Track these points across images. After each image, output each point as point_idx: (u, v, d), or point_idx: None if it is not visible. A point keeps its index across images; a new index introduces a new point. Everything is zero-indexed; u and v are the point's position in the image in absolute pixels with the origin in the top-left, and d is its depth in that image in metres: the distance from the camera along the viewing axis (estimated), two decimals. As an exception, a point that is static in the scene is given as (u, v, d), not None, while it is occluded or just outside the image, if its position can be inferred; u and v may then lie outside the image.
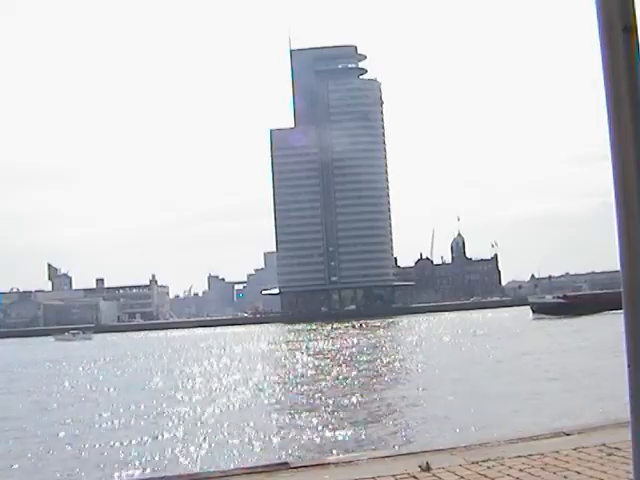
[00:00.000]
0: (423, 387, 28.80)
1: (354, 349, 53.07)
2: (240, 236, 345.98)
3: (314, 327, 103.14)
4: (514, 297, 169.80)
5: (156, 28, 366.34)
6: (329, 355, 48.98)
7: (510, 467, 6.16)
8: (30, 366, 55.01)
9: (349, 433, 19.00)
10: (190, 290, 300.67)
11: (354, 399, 25.52)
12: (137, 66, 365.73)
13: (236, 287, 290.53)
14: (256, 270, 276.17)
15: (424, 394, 26.55)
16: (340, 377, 33.61)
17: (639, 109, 1.93)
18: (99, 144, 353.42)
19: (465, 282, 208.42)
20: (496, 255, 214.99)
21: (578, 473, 5.91)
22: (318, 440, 18.25)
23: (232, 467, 11.33)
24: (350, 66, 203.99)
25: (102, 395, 31.93)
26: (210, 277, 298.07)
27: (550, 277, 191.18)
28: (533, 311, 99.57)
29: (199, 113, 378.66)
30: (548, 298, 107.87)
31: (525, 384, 26.96)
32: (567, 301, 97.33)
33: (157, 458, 17.09)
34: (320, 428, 20.01)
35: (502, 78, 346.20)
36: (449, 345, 54.02)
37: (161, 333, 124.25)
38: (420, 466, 6.16)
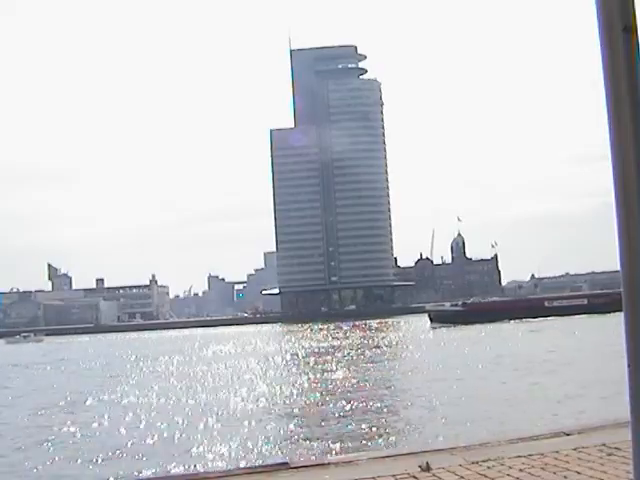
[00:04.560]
0: (423, 387, 28.81)
1: (354, 349, 53.09)
2: (240, 236, 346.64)
3: (314, 327, 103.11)
4: (514, 297, 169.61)
5: (156, 28, 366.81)
6: (328, 355, 48.99)
7: (510, 467, 6.16)
8: None
9: (349, 433, 19.00)
10: (190, 290, 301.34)
11: (354, 399, 25.51)
12: (137, 66, 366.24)
13: (236, 287, 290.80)
14: (256, 270, 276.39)
15: (424, 394, 26.54)
16: (339, 377, 33.62)
17: (639, 109, 1.93)
18: (99, 144, 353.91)
19: (465, 282, 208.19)
20: (496, 255, 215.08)
21: (578, 473, 5.91)
22: (318, 440, 18.24)
23: (232, 467, 11.32)
24: (350, 66, 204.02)
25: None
26: (210, 277, 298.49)
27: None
28: (431, 319, 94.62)
29: (199, 113, 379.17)
30: (447, 306, 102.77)
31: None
32: (465, 309, 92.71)
33: (157, 458, 17.08)
34: (320, 428, 20.01)
35: (502, 78, 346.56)
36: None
37: (162, 333, 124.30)
38: (420, 466, 6.16)
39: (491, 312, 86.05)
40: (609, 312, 76.91)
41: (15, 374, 49.04)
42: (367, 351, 50.59)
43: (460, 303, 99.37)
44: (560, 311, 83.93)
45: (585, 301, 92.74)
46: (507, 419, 19.52)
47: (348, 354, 48.34)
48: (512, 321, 77.45)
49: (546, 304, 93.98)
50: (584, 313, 78.71)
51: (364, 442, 17.61)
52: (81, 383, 38.48)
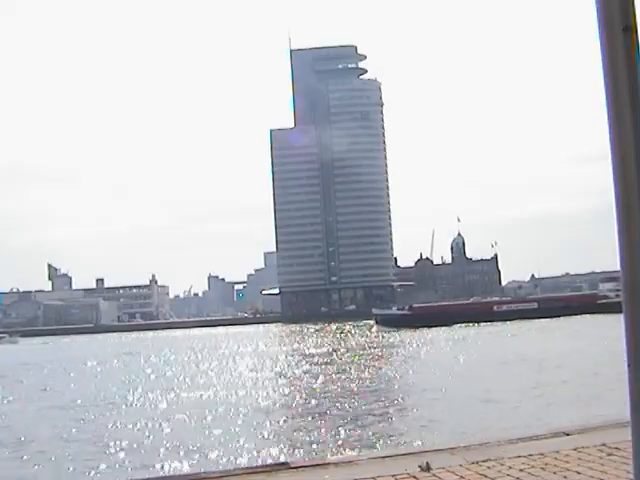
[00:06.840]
0: (423, 387, 28.82)
1: (353, 349, 53.09)
2: (240, 236, 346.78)
3: (314, 327, 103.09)
4: (514, 297, 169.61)
5: (156, 28, 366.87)
6: (328, 355, 48.99)
7: (510, 467, 6.16)
8: None
9: (349, 433, 18.99)
10: (190, 290, 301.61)
11: (354, 399, 25.52)
12: (137, 66, 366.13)
13: (236, 287, 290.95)
14: (256, 270, 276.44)
15: (424, 394, 26.55)
16: (340, 377, 33.62)
17: (639, 109, 1.93)
18: (99, 144, 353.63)
19: (465, 282, 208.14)
20: (496, 255, 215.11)
21: (578, 473, 5.90)
22: (318, 440, 18.24)
23: (232, 467, 11.32)
24: (350, 66, 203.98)
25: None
26: (210, 277, 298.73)
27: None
28: (377, 323, 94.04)
29: (199, 113, 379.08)
30: (393, 309, 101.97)
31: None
32: (412, 312, 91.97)
33: (157, 458, 17.08)
34: (320, 428, 20.01)
35: (502, 78, 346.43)
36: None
37: (162, 333, 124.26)
38: (420, 466, 6.16)
39: (438, 316, 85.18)
40: (559, 316, 77.05)
41: None
42: (366, 351, 50.59)
43: (407, 307, 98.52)
44: (508, 315, 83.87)
45: (535, 305, 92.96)
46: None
47: (347, 354, 48.33)
48: (458, 325, 76.87)
49: (494, 308, 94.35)
50: (534, 317, 78.46)
51: (364, 442, 17.61)
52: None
